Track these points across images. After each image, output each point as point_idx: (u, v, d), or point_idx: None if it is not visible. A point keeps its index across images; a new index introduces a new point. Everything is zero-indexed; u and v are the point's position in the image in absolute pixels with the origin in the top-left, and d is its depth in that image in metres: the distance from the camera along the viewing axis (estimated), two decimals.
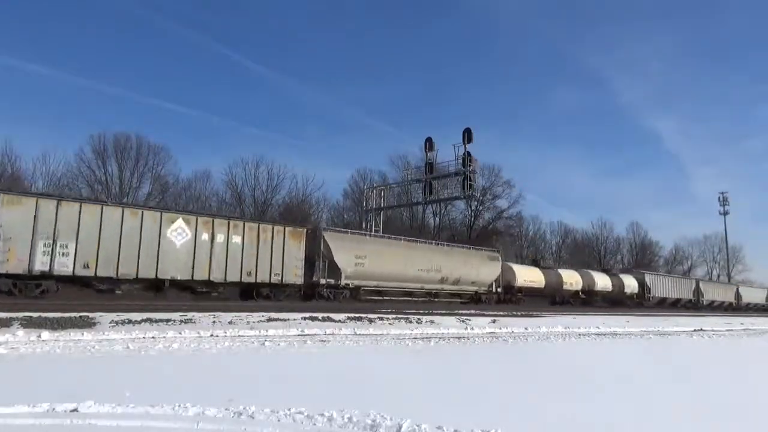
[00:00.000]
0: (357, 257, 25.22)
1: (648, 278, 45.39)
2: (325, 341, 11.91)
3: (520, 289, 34.47)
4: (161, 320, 12.82)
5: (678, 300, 48.56)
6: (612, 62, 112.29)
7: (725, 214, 73.62)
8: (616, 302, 40.92)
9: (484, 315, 20.62)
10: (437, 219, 55.38)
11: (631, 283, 43.13)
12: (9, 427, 4.29)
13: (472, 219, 55.68)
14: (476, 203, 52.82)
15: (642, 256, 72.43)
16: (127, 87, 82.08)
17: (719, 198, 73.85)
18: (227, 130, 79.82)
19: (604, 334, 17.78)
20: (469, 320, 18.48)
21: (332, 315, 15.97)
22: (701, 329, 23.00)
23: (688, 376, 9.44)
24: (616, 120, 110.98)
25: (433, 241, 33.98)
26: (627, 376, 8.87)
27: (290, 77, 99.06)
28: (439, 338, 13.88)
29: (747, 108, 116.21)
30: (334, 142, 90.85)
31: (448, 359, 10.34)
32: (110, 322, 12.08)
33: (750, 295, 62.67)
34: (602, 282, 40.58)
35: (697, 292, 51.75)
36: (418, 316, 18.05)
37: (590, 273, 40.73)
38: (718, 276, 75.91)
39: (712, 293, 54.95)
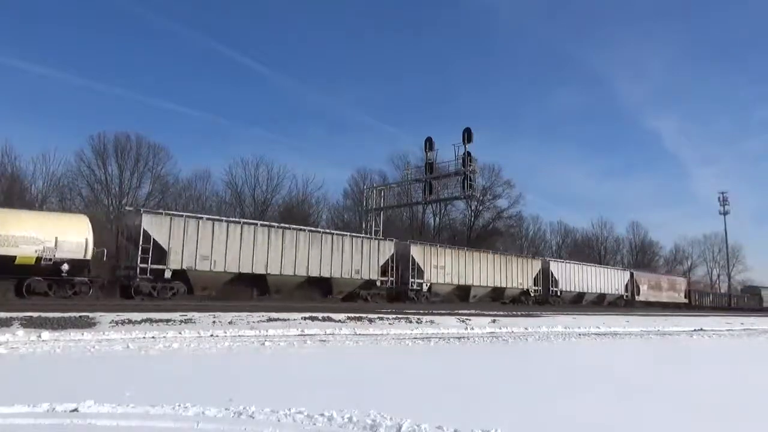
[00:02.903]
0: None
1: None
2: (325, 341, 11.91)
3: None
4: (161, 320, 12.82)
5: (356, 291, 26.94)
6: (612, 62, 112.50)
7: (725, 214, 73.42)
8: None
9: (484, 315, 20.65)
10: (437, 219, 55.42)
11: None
12: (9, 427, 4.29)
13: (472, 219, 55.73)
14: (476, 203, 52.84)
15: (642, 256, 72.51)
16: (127, 87, 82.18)
17: (719, 198, 73.55)
18: (227, 130, 79.91)
19: (605, 334, 17.78)
20: (470, 320, 18.50)
21: (332, 315, 15.97)
22: (697, 329, 22.97)
23: (688, 375, 9.44)
24: (616, 120, 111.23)
25: None
26: (627, 376, 8.86)
27: (290, 77, 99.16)
28: (439, 338, 13.87)
29: (747, 108, 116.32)
30: (334, 142, 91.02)
31: (448, 359, 10.34)
32: (110, 322, 12.08)
33: (568, 279, 37.44)
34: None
35: (417, 271, 29.13)
36: (418, 316, 18.12)
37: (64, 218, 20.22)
38: (718, 276, 75.70)
39: (440, 273, 29.67)
